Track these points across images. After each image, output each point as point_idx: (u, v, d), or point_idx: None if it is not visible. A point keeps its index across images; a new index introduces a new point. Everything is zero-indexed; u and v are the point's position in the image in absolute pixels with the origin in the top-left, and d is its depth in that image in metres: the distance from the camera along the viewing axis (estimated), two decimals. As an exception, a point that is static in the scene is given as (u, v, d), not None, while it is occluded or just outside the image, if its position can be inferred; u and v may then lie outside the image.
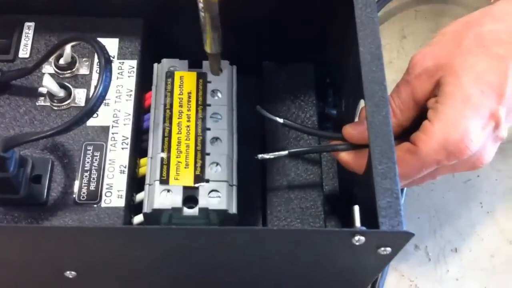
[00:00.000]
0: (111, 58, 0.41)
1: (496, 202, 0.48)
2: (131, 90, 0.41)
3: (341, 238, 0.31)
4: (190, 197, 0.38)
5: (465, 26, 0.39)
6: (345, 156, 0.39)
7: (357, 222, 0.32)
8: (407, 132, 0.38)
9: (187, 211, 0.37)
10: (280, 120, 0.41)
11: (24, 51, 0.42)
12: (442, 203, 0.48)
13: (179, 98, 0.41)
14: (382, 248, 0.32)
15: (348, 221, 0.33)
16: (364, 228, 0.31)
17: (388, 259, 0.33)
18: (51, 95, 0.40)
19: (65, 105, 0.40)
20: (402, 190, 0.46)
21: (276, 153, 0.40)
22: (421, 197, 0.48)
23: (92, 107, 0.34)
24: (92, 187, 0.38)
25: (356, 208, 0.32)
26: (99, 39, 0.37)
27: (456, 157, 0.36)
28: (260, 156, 0.41)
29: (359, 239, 0.31)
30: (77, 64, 0.42)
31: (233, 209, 0.38)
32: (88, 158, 0.39)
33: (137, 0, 0.44)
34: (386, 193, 0.32)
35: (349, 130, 0.38)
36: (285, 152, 0.40)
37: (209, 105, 0.41)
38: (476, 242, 0.47)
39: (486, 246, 0.47)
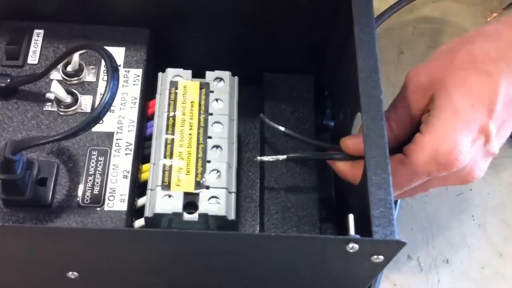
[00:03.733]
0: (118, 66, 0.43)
1: (488, 215, 0.50)
2: (136, 98, 0.43)
3: (336, 245, 0.32)
4: (190, 203, 0.39)
5: (458, 44, 0.40)
6: (342, 166, 0.40)
7: (351, 230, 0.33)
8: (403, 146, 0.40)
9: (187, 216, 0.38)
10: (282, 129, 0.42)
11: (33, 58, 0.43)
12: (435, 215, 0.49)
13: (182, 106, 0.42)
14: (375, 256, 0.33)
15: (343, 229, 0.34)
16: (358, 236, 0.32)
17: (380, 267, 0.34)
18: (58, 101, 0.41)
19: (71, 111, 0.41)
20: (396, 201, 0.47)
21: (275, 156, 0.41)
22: (414, 209, 0.49)
23: (99, 113, 0.35)
24: (95, 191, 0.39)
25: (351, 217, 0.33)
26: (106, 47, 0.39)
27: (446, 169, 0.37)
28: (259, 158, 0.42)
29: (353, 247, 0.32)
30: (84, 72, 0.43)
31: (232, 216, 0.39)
32: (93, 162, 0.40)
33: (143, 10, 0.45)
34: (380, 203, 0.33)
35: (346, 142, 0.40)
36: (284, 156, 0.41)
37: (211, 114, 0.42)
38: (467, 253, 0.48)
39: (477, 258, 0.48)
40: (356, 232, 0.33)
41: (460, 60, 0.39)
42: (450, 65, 0.39)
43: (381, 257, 0.33)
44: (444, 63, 0.39)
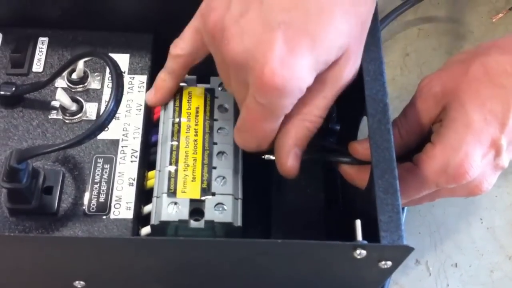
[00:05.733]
0: (123, 74, 0.43)
1: (496, 218, 0.49)
2: (141, 105, 0.42)
3: (343, 251, 0.32)
4: (196, 210, 0.38)
5: (472, 55, 0.40)
6: (349, 170, 0.40)
7: (359, 236, 0.33)
8: (411, 154, 0.39)
9: (193, 223, 0.38)
10: None
11: (37, 66, 0.43)
12: (443, 219, 0.49)
13: (187, 112, 0.42)
14: (383, 262, 0.33)
15: (350, 235, 0.34)
16: (365, 241, 0.32)
17: (388, 272, 0.34)
18: (63, 109, 0.41)
19: (76, 118, 0.41)
20: (403, 207, 0.47)
21: None
22: (422, 212, 0.49)
23: (104, 121, 0.35)
24: (101, 199, 0.39)
25: (358, 222, 0.33)
26: (110, 54, 0.39)
27: (455, 181, 0.37)
28: (266, 156, 0.42)
29: (360, 253, 0.32)
30: (89, 79, 0.43)
31: (238, 222, 0.39)
32: (98, 170, 0.40)
33: (147, 16, 0.45)
34: (387, 207, 0.33)
35: (355, 146, 0.39)
36: None
37: (216, 119, 0.42)
38: (476, 257, 0.48)
39: (486, 262, 0.48)
40: (364, 237, 0.33)
41: (474, 71, 0.38)
42: (464, 76, 0.38)
43: (389, 263, 0.33)
44: (458, 73, 0.39)
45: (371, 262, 0.33)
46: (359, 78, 0.38)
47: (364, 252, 0.32)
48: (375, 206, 0.33)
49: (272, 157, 0.41)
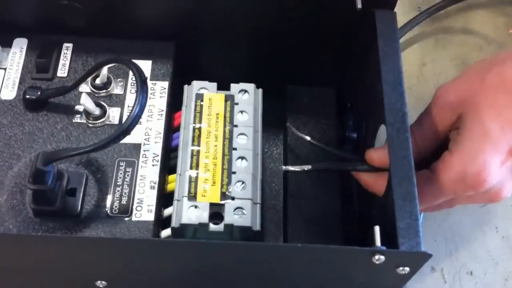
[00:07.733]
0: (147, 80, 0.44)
1: (511, 227, 0.49)
2: (162, 110, 0.43)
3: (362, 257, 0.33)
4: (216, 214, 0.39)
5: (488, 65, 0.40)
6: (366, 178, 0.41)
7: (378, 242, 0.33)
8: (426, 161, 0.40)
9: (213, 227, 0.39)
10: (308, 138, 0.43)
11: (62, 71, 0.44)
12: (459, 227, 0.49)
13: (208, 118, 0.42)
14: (401, 268, 0.33)
15: (366, 241, 0.34)
16: (384, 247, 0.32)
17: (406, 278, 0.35)
18: (87, 113, 0.42)
19: (99, 122, 0.42)
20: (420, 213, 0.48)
21: (301, 166, 0.42)
22: (438, 220, 0.49)
23: (128, 126, 0.36)
24: (123, 201, 0.40)
25: (377, 228, 0.33)
26: (133, 61, 0.39)
27: (473, 189, 0.38)
28: (284, 167, 0.42)
29: (379, 258, 0.32)
30: (112, 84, 0.44)
31: (257, 226, 0.39)
32: (121, 173, 0.41)
33: (169, 24, 0.46)
34: (406, 214, 0.33)
35: (371, 154, 0.40)
36: (309, 166, 0.42)
37: (236, 126, 0.42)
38: (491, 265, 0.48)
39: (501, 270, 0.48)
40: (382, 243, 0.33)
41: (490, 81, 0.39)
42: (480, 85, 0.39)
43: (407, 269, 0.33)
44: (474, 82, 0.39)
45: (389, 268, 0.33)
46: (378, 87, 0.39)
47: (382, 258, 0.32)
48: (393, 213, 0.34)
49: (290, 168, 0.42)
